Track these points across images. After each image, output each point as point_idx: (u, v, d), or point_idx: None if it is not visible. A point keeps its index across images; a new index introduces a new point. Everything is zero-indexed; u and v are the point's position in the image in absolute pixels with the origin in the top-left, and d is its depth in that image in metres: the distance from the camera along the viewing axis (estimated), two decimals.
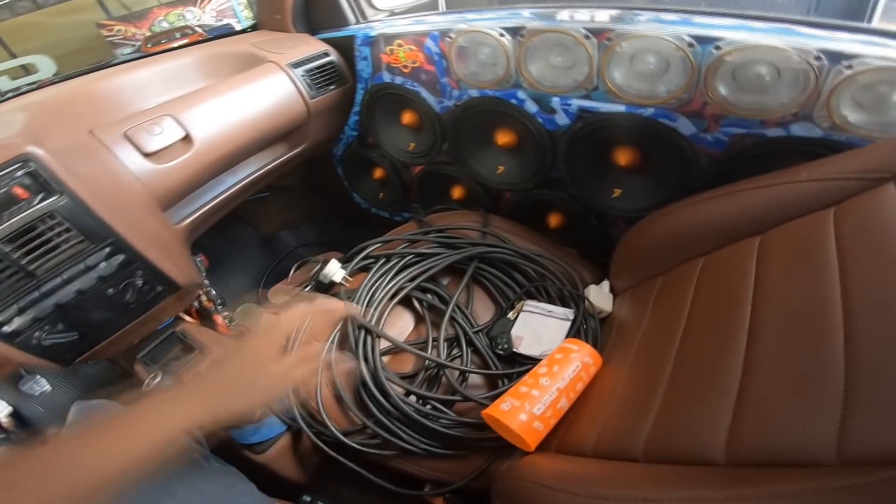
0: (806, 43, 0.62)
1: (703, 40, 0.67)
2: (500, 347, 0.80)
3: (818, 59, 0.60)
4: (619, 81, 0.76)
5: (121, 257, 0.75)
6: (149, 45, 1.11)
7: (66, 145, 0.72)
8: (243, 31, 1.19)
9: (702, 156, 0.75)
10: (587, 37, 0.75)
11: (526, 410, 0.61)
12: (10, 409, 1.14)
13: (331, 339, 0.83)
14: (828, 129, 0.63)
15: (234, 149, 0.92)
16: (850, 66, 0.59)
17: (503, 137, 0.95)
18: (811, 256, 0.52)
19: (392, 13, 1.12)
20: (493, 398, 0.74)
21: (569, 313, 0.81)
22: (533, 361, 0.76)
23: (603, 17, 0.77)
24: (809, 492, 0.34)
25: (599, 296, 0.83)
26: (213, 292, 1.07)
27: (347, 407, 0.76)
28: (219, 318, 1.07)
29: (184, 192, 0.88)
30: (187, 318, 1.06)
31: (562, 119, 0.84)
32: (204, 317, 1.09)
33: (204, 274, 1.07)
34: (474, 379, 0.79)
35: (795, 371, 0.44)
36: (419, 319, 0.89)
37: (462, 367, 0.79)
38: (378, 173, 1.25)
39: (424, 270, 0.90)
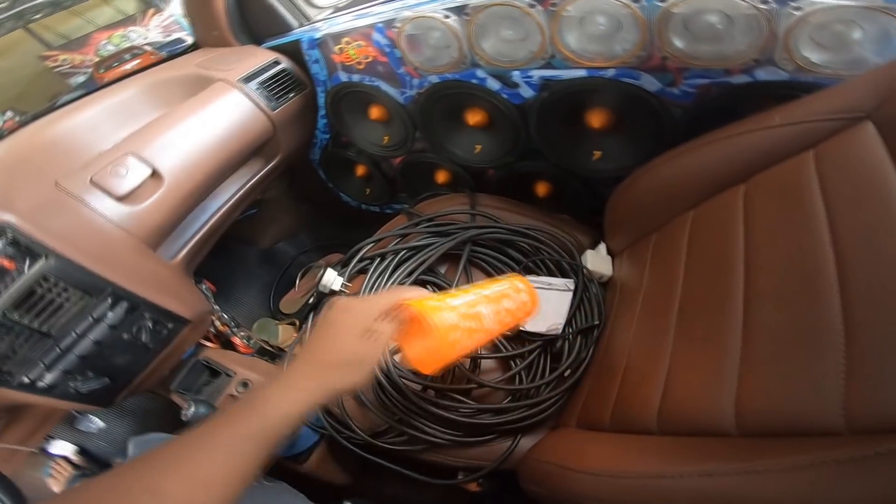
0: None
1: None
2: None
3: (764, 2, 0.56)
4: (574, 47, 0.72)
5: (125, 304, 0.74)
6: (101, 71, 1.06)
7: (36, 203, 0.69)
8: (183, 53, 1.12)
9: (672, 109, 0.71)
10: (532, 5, 0.70)
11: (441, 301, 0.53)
12: (75, 447, 1.20)
13: None
14: (793, 71, 0.60)
15: (207, 175, 0.88)
16: (798, 8, 0.55)
17: (473, 117, 0.91)
18: (797, 203, 0.50)
19: (336, 8, 1.06)
20: (508, 380, 0.75)
21: (569, 283, 0.79)
22: (541, 338, 0.75)
23: None
24: (821, 463, 0.33)
25: (597, 260, 0.82)
26: (225, 316, 1.08)
27: (370, 409, 0.77)
28: (237, 340, 1.09)
29: (168, 228, 0.85)
30: (208, 344, 1.07)
31: (526, 91, 0.81)
32: (223, 340, 1.10)
33: (212, 300, 1.07)
34: (487, 364, 0.79)
35: (794, 329, 0.43)
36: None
37: (472, 354, 0.79)
38: (360, 171, 1.21)
39: (420, 263, 0.88)
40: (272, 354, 1.10)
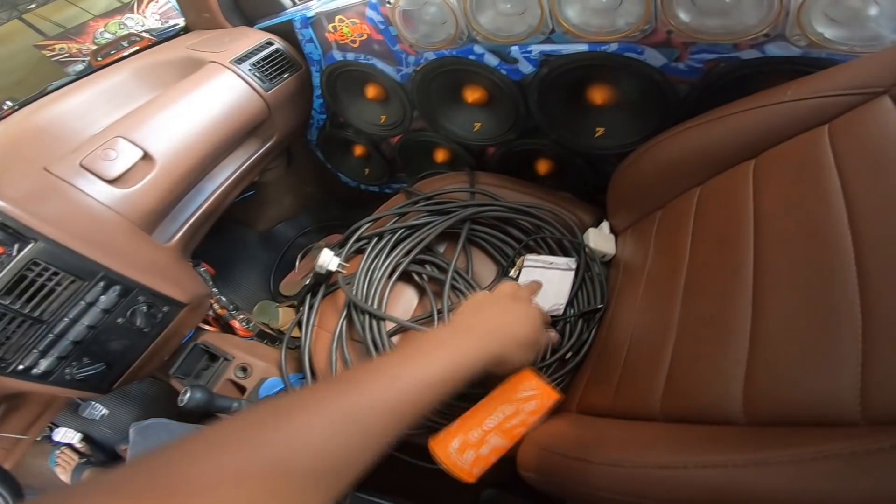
0: None
1: None
2: None
3: None
4: (575, 20, 0.68)
5: (117, 288, 0.73)
6: (98, 58, 1.03)
7: (26, 190, 0.67)
8: (175, 36, 1.08)
9: (678, 85, 0.68)
10: None
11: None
12: (80, 434, 1.20)
13: (339, 326, 0.82)
14: (805, 46, 0.56)
15: (200, 157, 0.85)
16: None
17: (472, 95, 0.87)
18: (811, 178, 0.47)
19: None
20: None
21: (571, 262, 0.77)
22: None
23: None
24: (834, 455, 0.31)
25: (600, 238, 0.79)
26: (224, 299, 1.06)
27: None
28: (236, 323, 1.07)
29: (162, 211, 0.83)
30: (207, 327, 1.05)
31: (525, 67, 0.77)
32: (222, 324, 1.09)
33: (211, 283, 1.05)
34: None
35: (807, 314, 0.40)
36: (422, 293, 0.87)
37: None
38: (358, 151, 1.17)
39: (418, 242, 0.86)
40: (272, 338, 1.08)
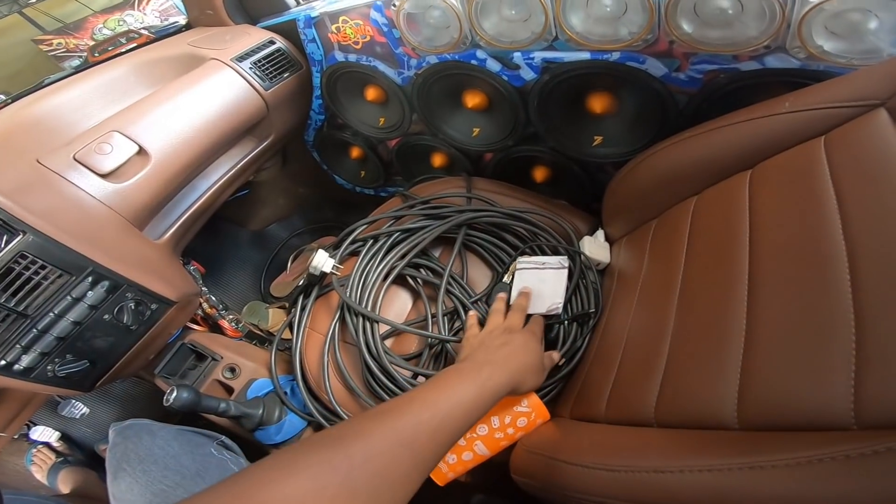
0: None
1: None
2: None
3: None
4: (578, 28, 0.69)
5: (105, 284, 0.72)
6: (95, 54, 1.03)
7: (16, 181, 0.67)
8: (177, 32, 1.09)
9: (678, 95, 0.69)
10: None
11: None
12: (57, 433, 1.18)
13: (331, 328, 0.82)
14: (804, 59, 0.58)
15: (196, 154, 0.85)
16: None
17: (472, 100, 0.88)
18: (806, 190, 0.48)
19: None
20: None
21: (563, 260, 0.77)
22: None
23: None
24: (827, 459, 0.31)
25: (595, 246, 0.80)
26: (213, 298, 1.06)
27: (359, 396, 0.75)
28: (225, 323, 1.06)
29: (155, 207, 0.82)
30: (195, 326, 1.04)
31: (527, 74, 0.78)
32: (211, 323, 1.08)
33: (200, 281, 1.04)
34: None
35: (801, 320, 0.41)
36: (416, 296, 0.87)
37: None
38: (355, 153, 1.18)
39: (414, 245, 0.86)
40: (261, 339, 1.08)
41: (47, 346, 0.69)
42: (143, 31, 1.11)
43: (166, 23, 1.21)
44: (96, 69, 0.92)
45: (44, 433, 1.16)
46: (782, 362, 0.41)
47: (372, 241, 0.89)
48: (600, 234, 0.83)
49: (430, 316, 0.81)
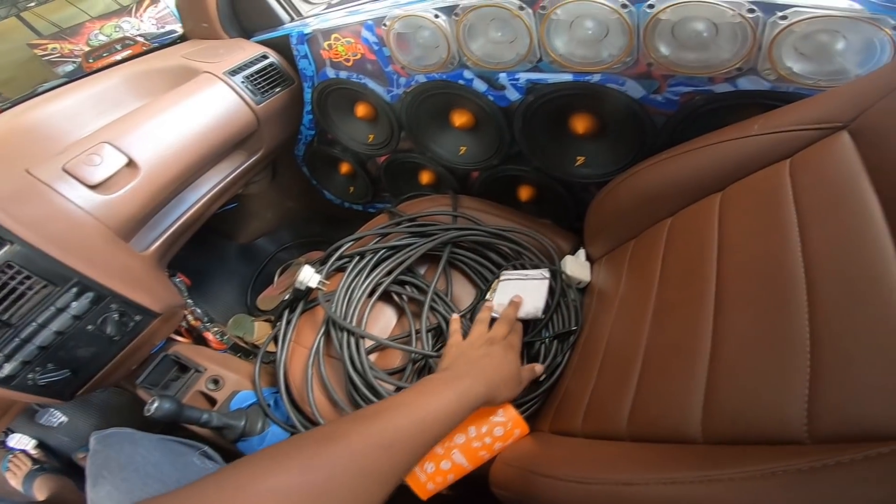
0: None
1: (635, 0, 0.64)
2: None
3: (751, 11, 0.57)
4: (561, 51, 0.72)
5: (90, 295, 0.72)
6: (90, 60, 1.05)
7: (5, 191, 0.68)
8: (172, 44, 1.12)
9: (655, 116, 0.72)
10: (521, 7, 0.70)
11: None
12: (34, 441, 1.17)
13: (316, 342, 0.83)
14: (774, 81, 0.60)
15: (185, 167, 0.87)
16: (784, 17, 0.55)
17: (459, 119, 0.91)
18: (770, 212, 0.50)
19: (329, 4, 1.05)
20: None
21: (545, 272, 0.79)
22: (524, 323, 0.75)
23: None
24: (783, 472, 0.32)
25: (576, 266, 0.81)
26: (198, 311, 1.06)
27: (342, 409, 0.76)
28: (209, 335, 1.06)
29: (142, 219, 0.84)
30: (179, 338, 1.05)
31: (512, 94, 0.81)
32: (195, 335, 1.08)
33: (186, 293, 1.05)
34: None
35: (761, 339, 0.43)
36: (401, 312, 0.88)
37: None
38: (344, 168, 1.20)
39: (400, 263, 0.88)
40: (246, 351, 1.08)
41: (29, 355, 0.69)
42: (138, 38, 1.13)
43: (162, 30, 1.24)
44: (89, 79, 0.94)
45: (20, 441, 1.15)
46: (743, 379, 0.42)
47: (358, 257, 0.91)
48: (581, 253, 0.85)
49: (413, 332, 0.83)
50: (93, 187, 0.75)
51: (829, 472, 0.31)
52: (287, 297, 0.90)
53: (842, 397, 0.35)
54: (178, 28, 1.19)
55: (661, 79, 0.68)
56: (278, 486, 0.38)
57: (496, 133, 0.88)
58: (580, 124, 0.79)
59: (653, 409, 0.49)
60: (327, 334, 0.83)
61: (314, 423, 0.79)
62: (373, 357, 0.82)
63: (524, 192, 0.99)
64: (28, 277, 0.67)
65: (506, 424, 0.62)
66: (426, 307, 0.83)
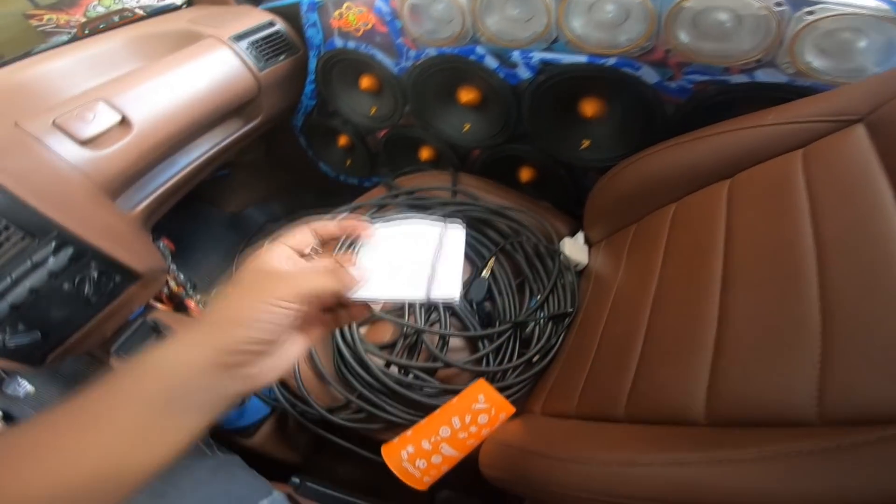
0: None
1: None
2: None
3: (779, 4, 0.57)
4: (579, 32, 0.71)
5: (69, 250, 0.70)
6: (85, 31, 1.02)
7: None
8: (178, 8, 1.09)
9: (667, 104, 0.71)
10: None
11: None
12: (0, 412, 1.12)
13: None
14: (792, 75, 0.61)
15: (180, 129, 0.85)
16: (811, 13, 0.55)
17: (466, 95, 0.89)
18: (782, 200, 0.50)
19: None
20: (475, 362, 0.73)
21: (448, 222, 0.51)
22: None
23: None
24: (791, 454, 0.32)
25: (574, 248, 0.82)
26: (182, 276, 1.03)
27: (329, 383, 0.74)
28: (191, 303, 1.04)
29: (131, 178, 0.81)
30: (159, 305, 1.02)
31: (524, 73, 0.80)
32: (176, 302, 1.05)
33: (169, 258, 1.02)
34: (455, 342, 0.78)
35: (771, 322, 0.43)
36: None
37: (441, 332, 0.76)
38: (342, 141, 1.18)
39: None
40: None
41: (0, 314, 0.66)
42: (137, 10, 1.09)
43: (162, 4, 1.20)
44: (89, 40, 0.92)
45: None
46: (751, 362, 0.42)
47: None
48: (580, 236, 0.85)
49: (406, 305, 0.81)
50: (82, 143, 0.73)
51: (840, 454, 0.31)
52: None
53: (854, 379, 0.35)
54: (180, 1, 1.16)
55: (676, 66, 0.68)
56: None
57: (503, 111, 0.87)
58: (589, 107, 0.78)
59: (653, 391, 0.49)
60: None
61: (298, 397, 0.77)
62: (363, 330, 0.80)
63: (525, 174, 0.98)
64: (6, 228, 0.64)
65: (489, 410, 0.61)
66: None
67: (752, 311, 0.45)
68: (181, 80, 0.86)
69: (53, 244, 0.69)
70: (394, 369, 0.74)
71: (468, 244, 0.88)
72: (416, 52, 0.87)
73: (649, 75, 0.70)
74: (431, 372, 0.73)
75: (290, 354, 0.39)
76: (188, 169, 0.94)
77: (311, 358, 0.77)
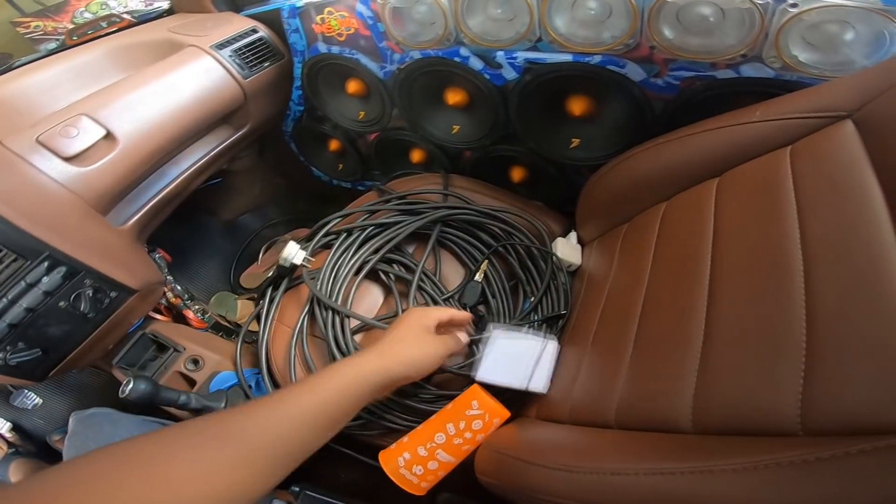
0: None
1: None
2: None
3: None
4: (562, 30, 0.70)
5: (62, 269, 0.70)
6: (73, 38, 1.01)
7: None
8: (158, 17, 1.08)
9: (654, 101, 0.70)
10: None
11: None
12: (9, 424, 1.14)
13: (300, 321, 0.81)
14: (779, 69, 0.59)
15: (167, 141, 0.84)
16: (794, 5, 0.54)
17: (453, 97, 0.88)
18: (768, 199, 0.49)
19: None
20: (470, 367, 0.73)
21: (547, 337, 0.68)
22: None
23: None
24: (772, 465, 0.32)
25: (567, 248, 0.81)
26: (179, 288, 1.04)
27: None
28: (190, 313, 1.04)
29: (120, 192, 0.81)
30: (158, 316, 1.02)
31: (509, 73, 0.79)
32: (175, 313, 1.06)
33: (166, 270, 1.02)
34: None
35: (756, 328, 0.42)
36: (388, 292, 0.87)
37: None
38: (333, 145, 1.17)
39: (388, 241, 0.86)
40: (228, 331, 1.06)
41: None
42: (125, 16, 1.09)
43: (150, 8, 1.19)
44: (70, 52, 0.91)
45: None
46: (736, 368, 0.42)
47: (345, 234, 0.89)
48: (573, 235, 0.84)
49: (401, 311, 0.81)
50: (68, 159, 0.73)
51: (823, 465, 0.30)
52: (271, 274, 0.88)
53: (837, 389, 0.35)
54: (166, 4, 1.15)
55: (662, 63, 0.67)
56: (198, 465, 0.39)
57: (491, 112, 0.87)
58: (577, 106, 0.77)
59: (642, 398, 0.49)
60: (311, 313, 0.81)
61: None
62: (358, 338, 0.81)
63: (517, 174, 0.97)
64: None
65: (483, 416, 0.61)
66: (414, 286, 0.82)
67: (737, 316, 0.45)
68: (164, 90, 0.85)
69: (46, 264, 0.69)
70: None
71: (461, 248, 0.88)
72: (400, 56, 0.86)
73: (635, 72, 0.69)
74: (427, 377, 0.73)
75: None
76: (179, 180, 0.94)
77: (307, 367, 0.77)
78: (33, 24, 1.32)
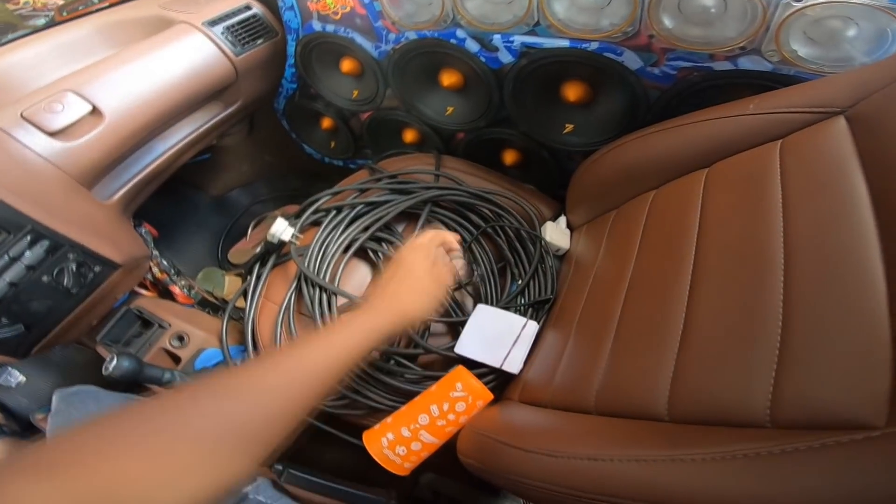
0: None
1: None
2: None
3: None
4: (561, 16, 0.69)
5: (45, 243, 0.69)
6: (63, 14, 0.98)
7: None
8: None
9: (650, 90, 0.70)
10: None
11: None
12: None
13: (287, 298, 0.81)
14: (777, 63, 0.59)
15: (154, 116, 0.84)
16: None
17: (448, 78, 0.87)
18: (755, 191, 0.50)
19: None
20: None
21: (528, 322, 0.70)
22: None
23: None
24: (740, 456, 0.33)
25: (556, 232, 0.82)
26: (165, 263, 1.02)
27: None
28: (176, 289, 1.03)
29: (105, 167, 0.80)
30: (143, 291, 1.01)
31: (505, 57, 0.78)
32: (161, 288, 1.04)
33: (152, 245, 1.01)
34: (436, 328, 0.78)
35: (733, 320, 0.43)
36: (376, 270, 0.87)
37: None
38: (326, 123, 1.16)
39: (377, 219, 0.86)
40: (214, 307, 1.05)
41: None
42: None
43: None
44: (57, 29, 0.90)
45: None
46: (712, 358, 0.43)
47: (335, 211, 0.88)
48: (562, 220, 0.84)
49: None
50: (52, 134, 0.73)
51: (787, 458, 0.31)
52: (259, 250, 0.87)
53: (805, 383, 0.35)
54: None
55: (660, 52, 0.66)
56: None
57: (485, 95, 0.86)
58: (572, 92, 0.77)
59: (621, 385, 0.50)
60: (299, 290, 0.81)
61: None
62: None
63: (509, 157, 0.97)
64: None
65: (467, 398, 0.62)
66: None
67: (717, 307, 0.46)
68: (152, 67, 0.84)
69: (28, 238, 0.68)
70: (375, 355, 0.74)
71: (451, 228, 0.88)
72: (395, 36, 0.85)
73: (632, 61, 0.68)
74: (412, 358, 0.74)
75: None
76: (167, 155, 0.93)
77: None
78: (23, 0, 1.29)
